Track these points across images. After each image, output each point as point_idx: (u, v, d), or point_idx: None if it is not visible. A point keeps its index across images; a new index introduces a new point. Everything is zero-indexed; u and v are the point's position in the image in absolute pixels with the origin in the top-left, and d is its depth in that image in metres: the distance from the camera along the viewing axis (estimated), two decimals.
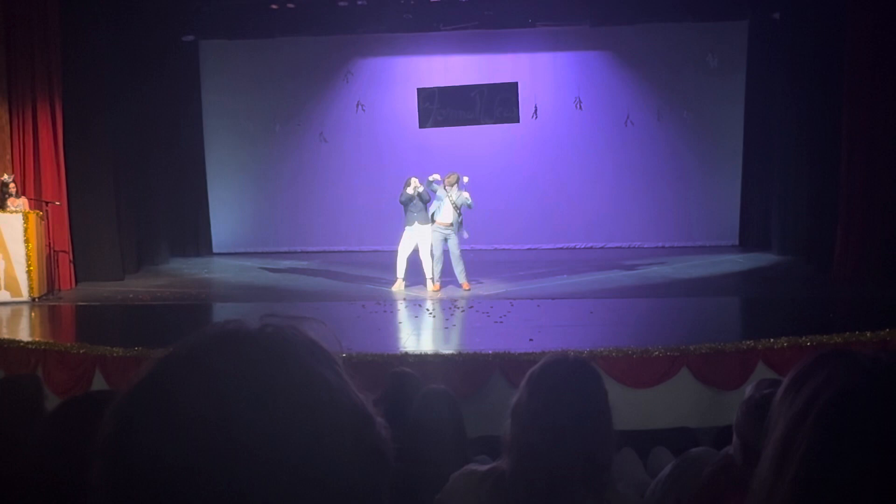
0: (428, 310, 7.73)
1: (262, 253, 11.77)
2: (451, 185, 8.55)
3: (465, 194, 8.60)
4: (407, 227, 8.74)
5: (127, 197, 10.19)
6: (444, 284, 8.73)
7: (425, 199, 8.67)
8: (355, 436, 0.68)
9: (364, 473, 0.68)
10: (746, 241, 11.63)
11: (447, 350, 5.90)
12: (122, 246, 9.92)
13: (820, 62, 9.55)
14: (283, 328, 0.72)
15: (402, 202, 8.70)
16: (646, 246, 11.75)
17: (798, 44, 10.05)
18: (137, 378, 0.68)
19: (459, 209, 8.54)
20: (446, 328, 6.94)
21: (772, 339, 5.59)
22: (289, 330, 0.72)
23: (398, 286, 8.75)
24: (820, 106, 9.63)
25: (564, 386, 1.70)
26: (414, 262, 8.76)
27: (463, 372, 5.39)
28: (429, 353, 5.74)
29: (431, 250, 8.61)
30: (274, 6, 10.88)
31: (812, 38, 9.70)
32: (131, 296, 8.65)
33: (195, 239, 12.03)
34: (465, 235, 8.71)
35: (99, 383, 5.74)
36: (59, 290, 8.98)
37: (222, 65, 11.95)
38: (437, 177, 8.60)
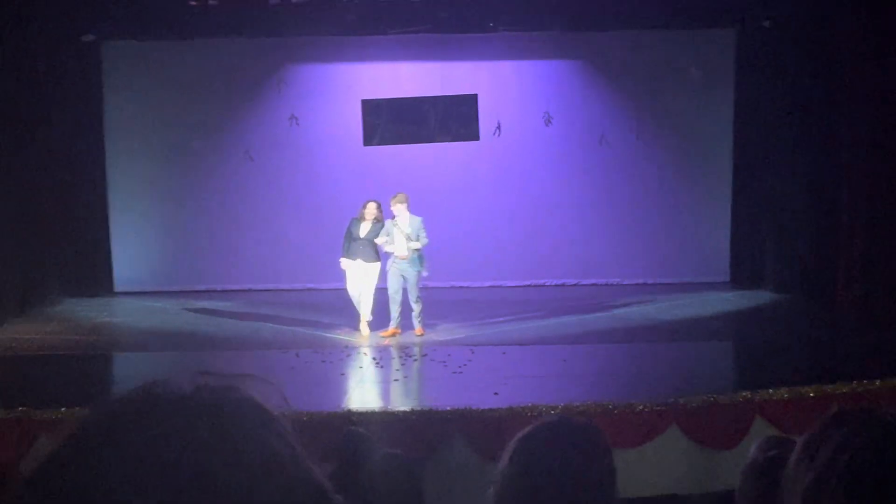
0: (374, 359, 7.68)
1: (175, 292, 11.57)
2: (399, 207, 8.55)
3: (418, 220, 8.61)
4: (350, 262, 8.70)
5: (8, 225, 9.93)
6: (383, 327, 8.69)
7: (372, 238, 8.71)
8: None
9: None
10: (739, 277, 11.89)
11: (398, 407, 5.84)
12: (2, 285, 9.64)
13: (816, 74, 9.89)
14: (221, 389, 0.71)
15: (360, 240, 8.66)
16: (625, 283, 11.92)
17: (791, 54, 10.42)
18: (43, 456, 0.66)
19: (413, 238, 8.54)
20: (396, 380, 6.89)
21: (770, 390, 5.71)
22: (229, 391, 0.71)
23: (365, 327, 8.70)
24: (818, 125, 9.96)
25: (570, 459, 1.63)
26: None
27: (417, 432, 5.34)
28: (376, 410, 5.68)
29: (389, 290, 8.60)
30: (193, 2, 10.85)
31: (807, 48, 10.05)
32: (14, 345, 8.40)
33: (93, 275, 11.77)
34: (425, 274, 8.71)
35: None
36: None
37: (130, 70, 11.82)
38: (390, 249, 8.59)
